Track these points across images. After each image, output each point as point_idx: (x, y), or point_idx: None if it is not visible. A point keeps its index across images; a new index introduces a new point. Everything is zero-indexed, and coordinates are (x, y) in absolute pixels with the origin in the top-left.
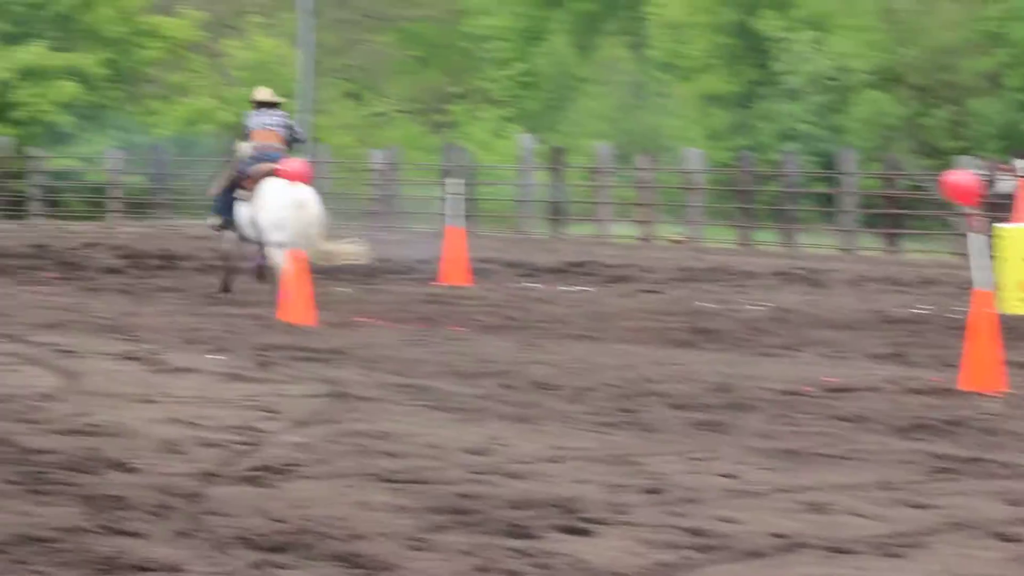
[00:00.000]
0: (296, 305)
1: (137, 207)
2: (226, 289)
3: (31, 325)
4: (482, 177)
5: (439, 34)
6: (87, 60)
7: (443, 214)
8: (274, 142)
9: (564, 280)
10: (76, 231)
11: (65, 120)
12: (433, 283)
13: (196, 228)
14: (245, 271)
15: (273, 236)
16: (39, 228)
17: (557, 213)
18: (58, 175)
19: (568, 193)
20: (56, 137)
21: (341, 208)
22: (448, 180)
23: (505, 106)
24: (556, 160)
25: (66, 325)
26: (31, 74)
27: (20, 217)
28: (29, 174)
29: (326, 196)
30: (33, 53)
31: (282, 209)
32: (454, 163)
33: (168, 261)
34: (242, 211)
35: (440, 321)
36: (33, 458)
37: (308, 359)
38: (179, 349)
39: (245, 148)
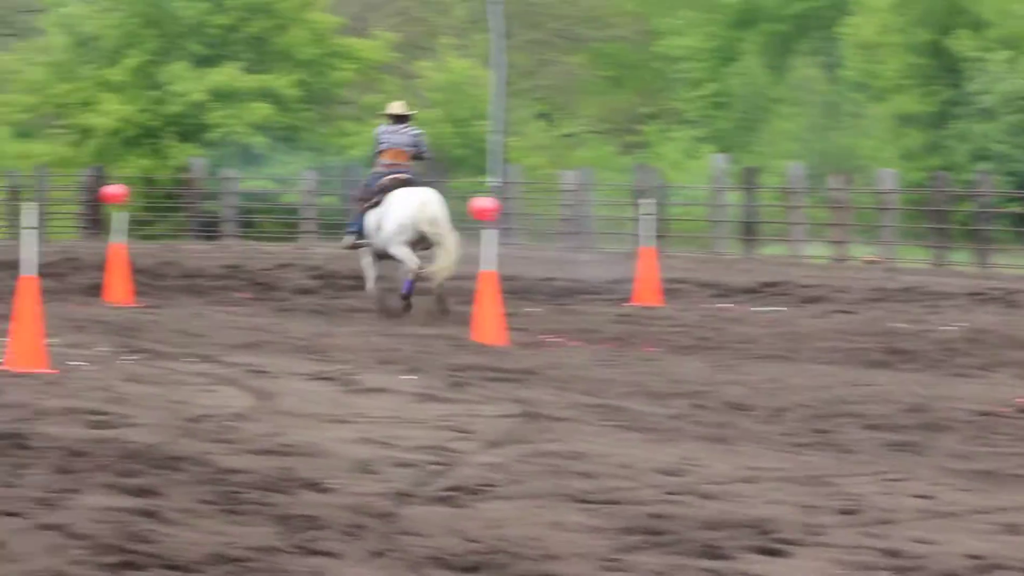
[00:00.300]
0: (488, 325)
1: (330, 228)
2: (407, 305)
3: (225, 345)
4: (674, 197)
5: (631, 54)
6: (280, 81)
7: (635, 234)
8: (403, 161)
9: (757, 300)
10: (269, 252)
11: (258, 141)
12: (625, 303)
13: None
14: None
15: (398, 238)
16: (233, 249)
17: (749, 233)
18: (251, 196)
19: (761, 213)
20: (249, 158)
21: (533, 228)
22: (640, 200)
23: (697, 126)
24: (749, 180)
25: (260, 345)
26: (224, 96)
27: (214, 238)
28: (222, 195)
29: (517, 216)
30: (226, 75)
31: (406, 208)
32: (646, 183)
33: (361, 281)
34: (370, 219)
35: (632, 341)
36: (227, 478)
37: (500, 379)
38: (372, 369)
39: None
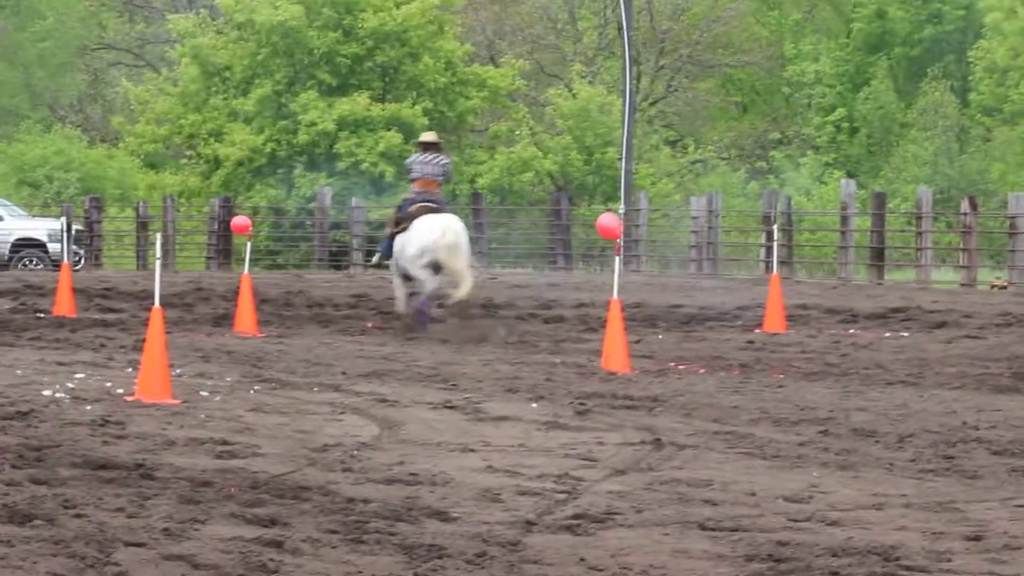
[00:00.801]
0: (614, 353)
1: None
2: (409, 328)
3: (352, 374)
4: (802, 223)
5: (760, 80)
6: (409, 110)
7: (763, 260)
8: (434, 188)
9: (885, 326)
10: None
11: (386, 170)
12: (754, 330)
13: (515, 277)
14: (425, 314)
15: (418, 261)
16: (360, 278)
17: (878, 258)
18: (379, 225)
19: (889, 238)
20: (377, 187)
21: (660, 255)
22: (768, 227)
23: (826, 152)
24: (877, 205)
25: (386, 374)
26: (353, 125)
27: (342, 267)
28: (350, 224)
29: (645, 243)
30: (356, 104)
31: (429, 234)
32: (774, 209)
33: (488, 310)
34: (397, 242)
35: (759, 368)
36: (353, 507)
37: (626, 407)
38: (498, 397)
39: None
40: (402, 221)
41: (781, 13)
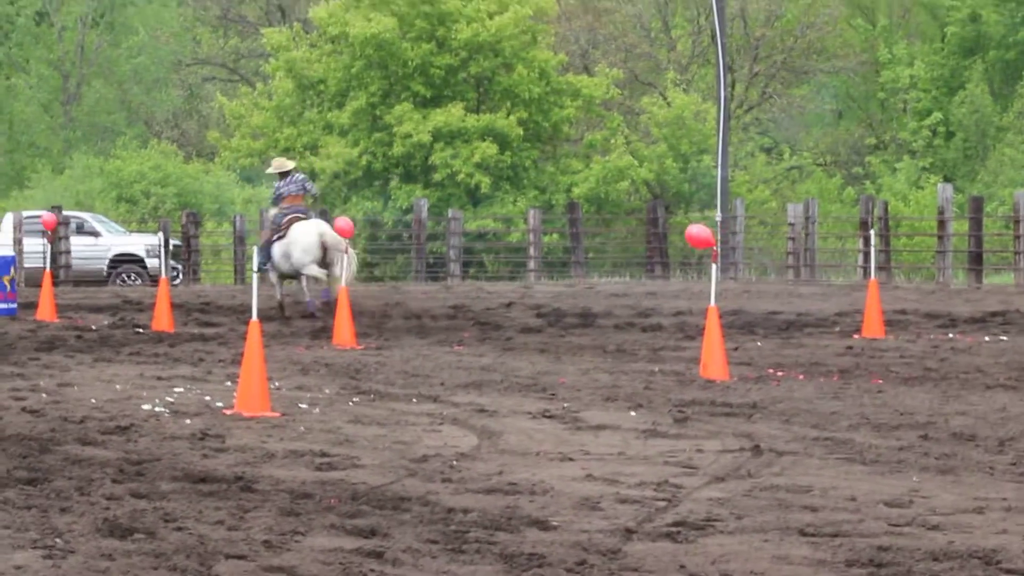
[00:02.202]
0: (712, 360)
1: (554, 266)
2: (282, 314)
3: (450, 385)
4: (900, 228)
5: (856, 86)
6: (504, 121)
7: (861, 266)
8: (299, 202)
9: (984, 330)
10: (493, 291)
11: (482, 181)
12: (852, 335)
13: (613, 286)
14: (303, 307)
15: (306, 258)
16: (456, 289)
17: (976, 263)
18: (475, 236)
19: (987, 242)
20: (474, 198)
21: (757, 262)
22: (866, 232)
23: (922, 156)
24: (974, 209)
25: (485, 384)
26: (448, 136)
27: (439, 278)
28: (447, 236)
29: (743, 250)
30: (451, 115)
31: (308, 236)
32: (871, 214)
33: (585, 319)
34: (276, 250)
35: (858, 373)
36: (453, 517)
37: (725, 414)
38: (597, 406)
39: (274, 212)
40: (277, 231)
41: (869, 19)
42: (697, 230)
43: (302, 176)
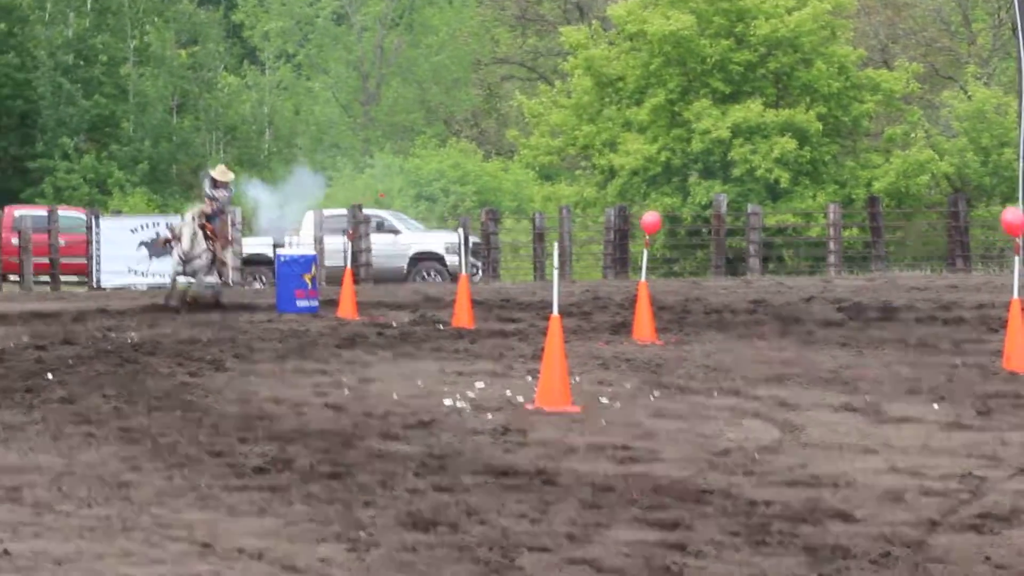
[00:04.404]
0: (1016, 353)
1: (854, 260)
2: (171, 306)
3: (751, 379)
4: None
5: None
6: (803, 116)
7: None
8: (207, 208)
9: None
10: (793, 285)
11: (781, 176)
12: None
13: (914, 279)
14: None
15: (193, 264)
16: (756, 284)
17: None
18: (775, 231)
19: None
20: (773, 193)
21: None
22: None
23: None
24: None
25: (786, 378)
26: (747, 132)
27: (739, 273)
28: (747, 231)
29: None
30: (749, 111)
31: (188, 242)
32: None
33: (886, 312)
34: (175, 254)
35: None
36: (755, 510)
37: None
38: (899, 399)
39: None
40: (173, 236)
41: None
42: (1012, 215)
43: (228, 196)
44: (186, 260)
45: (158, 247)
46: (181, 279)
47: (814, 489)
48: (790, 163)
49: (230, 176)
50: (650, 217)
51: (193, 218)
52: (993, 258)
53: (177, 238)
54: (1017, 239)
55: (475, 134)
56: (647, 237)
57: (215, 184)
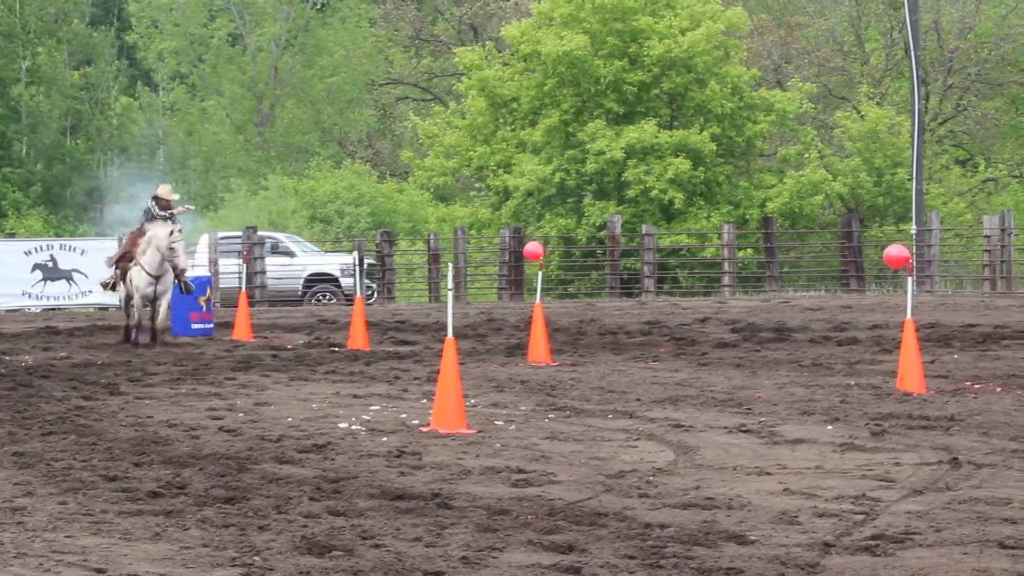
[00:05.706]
0: (909, 373)
1: (748, 281)
2: (128, 339)
3: (646, 401)
4: None
5: None
6: (697, 136)
7: None
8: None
9: None
10: (688, 306)
11: (676, 197)
12: None
13: (808, 300)
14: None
15: (140, 291)
16: (651, 305)
17: None
18: (669, 252)
19: None
20: (667, 214)
21: (953, 275)
22: None
23: None
24: None
25: (681, 400)
26: (641, 153)
27: (633, 294)
28: (641, 252)
29: (938, 263)
30: (643, 132)
31: (155, 264)
32: None
33: (781, 333)
34: (128, 282)
35: None
36: (650, 532)
37: (923, 427)
38: (793, 420)
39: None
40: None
41: None
42: (896, 251)
43: (167, 215)
44: (156, 277)
45: (104, 286)
46: (137, 305)
47: (708, 511)
48: (684, 184)
49: (175, 196)
50: (532, 247)
51: (163, 246)
52: (887, 279)
53: (134, 259)
54: (910, 261)
55: (369, 155)
56: (540, 260)
57: (161, 204)
